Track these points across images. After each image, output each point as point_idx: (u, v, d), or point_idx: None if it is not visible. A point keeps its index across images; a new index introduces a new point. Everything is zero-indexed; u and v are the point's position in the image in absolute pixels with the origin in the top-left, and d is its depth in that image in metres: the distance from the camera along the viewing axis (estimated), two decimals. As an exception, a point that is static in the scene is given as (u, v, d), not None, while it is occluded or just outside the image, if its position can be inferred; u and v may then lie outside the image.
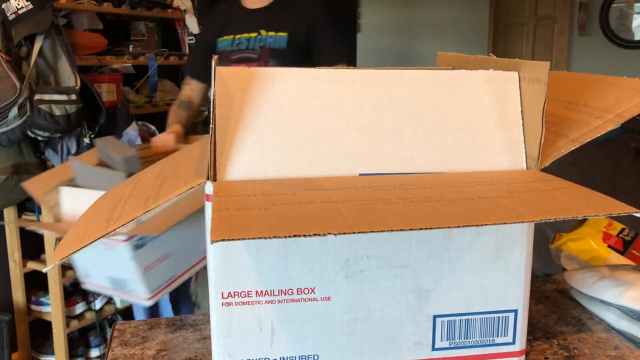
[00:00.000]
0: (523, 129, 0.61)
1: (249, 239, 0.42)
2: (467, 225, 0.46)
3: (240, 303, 0.56)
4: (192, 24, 3.41)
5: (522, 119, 0.61)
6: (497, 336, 0.61)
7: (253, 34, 1.84)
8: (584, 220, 1.17)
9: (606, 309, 0.73)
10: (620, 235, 1.16)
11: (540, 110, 0.58)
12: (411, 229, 0.45)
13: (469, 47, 5.09)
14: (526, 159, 0.61)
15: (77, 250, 0.54)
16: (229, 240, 0.42)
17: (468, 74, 0.62)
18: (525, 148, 0.61)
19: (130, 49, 2.96)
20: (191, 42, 3.41)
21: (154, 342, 0.70)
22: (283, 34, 1.81)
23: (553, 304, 0.79)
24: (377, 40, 5.37)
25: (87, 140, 2.66)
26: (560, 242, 1.17)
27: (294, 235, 0.42)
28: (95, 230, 0.56)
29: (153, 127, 3.05)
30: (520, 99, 0.61)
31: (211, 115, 0.55)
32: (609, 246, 1.14)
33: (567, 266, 1.07)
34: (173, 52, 3.22)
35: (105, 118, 2.56)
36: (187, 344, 0.69)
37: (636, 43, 4.82)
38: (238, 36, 1.87)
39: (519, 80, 0.62)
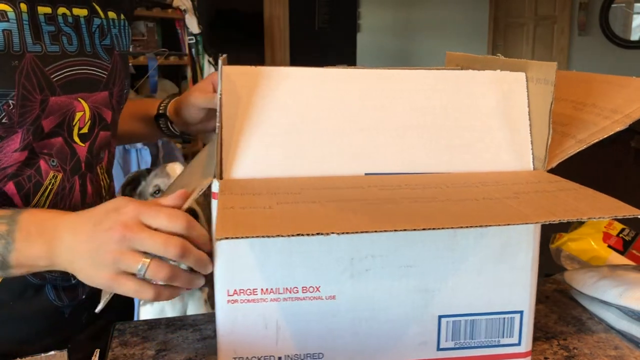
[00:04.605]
0: (530, 130, 0.61)
1: (254, 237, 0.42)
2: (472, 226, 0.45)
3: (246, 301, 0.56)
4: (192, 23, 3.41)
5: (530, 120, 0.61)
6: (503, 337, 0.61)
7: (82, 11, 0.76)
8: (584, 220, 1.17)
9: (606, 309, 0.73)
10: (620, 235, 1.16)
11: (547, 110, 0.57)
12: (415, 229, 0.44)
13: (469, 47, 5.09)
14: (533, 159, 0.60)
15: None
16: (233, 238, 0.42)
17: (475, 74, 0.61)
18: (532, 149, 0.61)
19: (130, 49, 2.95)
20: (191, 41, 3.41)
21: (154, 342, 0.70)
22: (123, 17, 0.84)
23: (553, 304, 0.79)
24: (377, 40, 5.37)
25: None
26: (560, 242, 1.17)
27: (298, 234, 0.42)
28: None
29: (153, 127, 3.04)
30: (528, 99, 0.61)
31: (218, 113, 0.55)
32: (609, 246, 1.13)
33: (567, 266, 1.07)
34: (173, 52, 3.22)
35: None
36: (187, 344, 0.69)
37: (636, 43, 4.82)
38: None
39: (527, 80, 0.61)
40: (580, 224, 1.22)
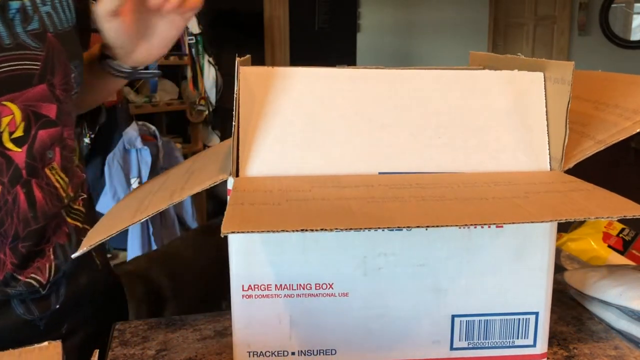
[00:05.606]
0: (547, 130, 0.60)
1: (258, 232, 0.44)
2: (473, 224, 0.45)
3: (260, 296, 0.57)
4: (192, 23, 3.41)
5: (547, 120, 0.60)
6: (517, 338, 0.60)
7: None
8: (584, 220, 1.17)
9: (606, 309, 0.73)
10: (620, 235, 1.16)
11: (564, 111, 0.57)
12: (418, 226, 0.45)
13: (469, 47, 5.08)
14: (550, 160, 0.60)
15: (104, 238, 0.56)
16: (238, 232, 0.43)
17: (491, 74, 0.61)
18: (549, 149, 0.60)
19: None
20: (191, 41, 3.41)
21: (154, 342, 0.70)
22: None
23: (553, 304, 0.79)
24: (377, 40, 5.37)
25: (87, 140, 2.66)
26: (560, 242, 1.17)
27: (301, 230, 0.43)
28: (123, 220, 0.57)
29: (153, 127, 3.05)
30: (545, 99, 0.61)
31: (234, 113, 0.56)
32: (609, 246, 1.14)
33: (567, 266, 1.07)
34: (173, 52, 3.22)
35: (105, 118, 2.57)
36: (187, 344, 0.69)
37: (636, 43, 4.82)
38: None
39: (544, 80, 0.61)
40: (580, 224, 1.22)
